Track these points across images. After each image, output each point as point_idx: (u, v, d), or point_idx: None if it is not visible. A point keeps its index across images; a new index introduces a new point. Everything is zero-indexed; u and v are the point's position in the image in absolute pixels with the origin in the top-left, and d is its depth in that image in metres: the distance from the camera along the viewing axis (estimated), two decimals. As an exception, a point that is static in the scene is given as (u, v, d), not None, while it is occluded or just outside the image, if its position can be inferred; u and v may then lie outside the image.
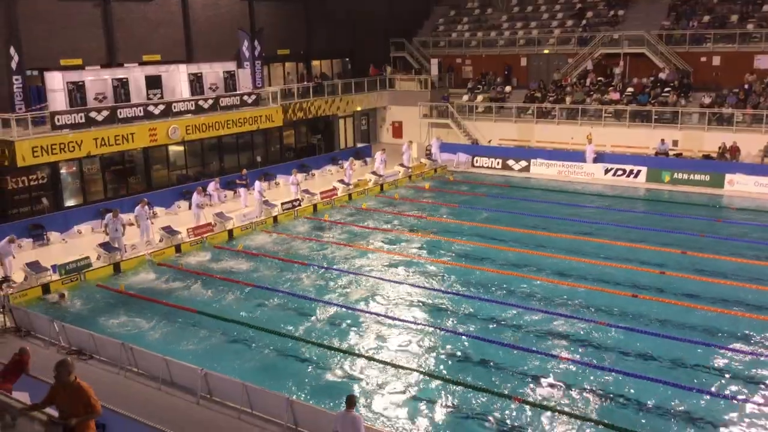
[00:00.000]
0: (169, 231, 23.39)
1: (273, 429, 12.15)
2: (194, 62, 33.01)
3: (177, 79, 31.31)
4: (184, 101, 30.31)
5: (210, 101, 31.21)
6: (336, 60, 43.89)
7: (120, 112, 27.74)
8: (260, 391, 12.53)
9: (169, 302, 18.55)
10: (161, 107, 29.18)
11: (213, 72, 32.64)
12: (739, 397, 13.28)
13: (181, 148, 30.87)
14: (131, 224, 23.25)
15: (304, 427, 12.00)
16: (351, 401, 10.44)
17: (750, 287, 18.49)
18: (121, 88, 28.88)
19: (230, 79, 33.14)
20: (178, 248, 22.96)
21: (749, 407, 12.94)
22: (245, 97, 32.91)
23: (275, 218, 26.39)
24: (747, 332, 15.89)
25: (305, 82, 38.35)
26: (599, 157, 32.82)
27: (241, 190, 28.45)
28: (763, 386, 13.66)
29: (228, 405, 12.91)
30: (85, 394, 8.44)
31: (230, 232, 24.70)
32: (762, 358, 14.74)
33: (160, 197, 27.60)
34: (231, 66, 33.54)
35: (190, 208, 25.90)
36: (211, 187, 27.97)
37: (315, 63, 42.04)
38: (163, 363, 13.72)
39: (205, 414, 12.77)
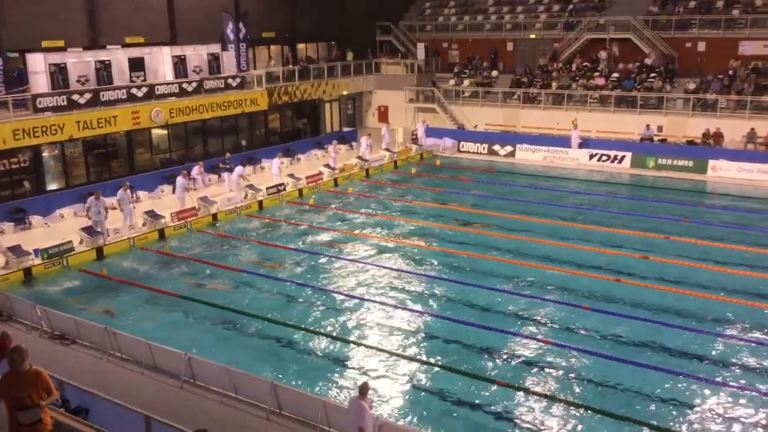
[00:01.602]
0: (153, 215, 23.23)
1: (257, 413, 12.16)
2: (178, 44, 32.62)
3: (160, 61, 30.95)
4: (167, 84, 29.98)
5: (194, 84, 30.89)
6: (322, 43, 43.58)
7: (103, 95, 27.39)
8: (244, 375, 12.52)
9: (152, 287, 18.45)
10: (144, 90, 28.85)
11: (197, 54, 32.29)
12: (720, 380, 13.42)
13: (164, 131, 30.59)
14: (114, 208, 23.05)
15: (287, 411, 12.03)
16: (361, 389, 10.40)
17: (733, 272, 18.66)
18: (104, 70, 28.49)
19: (214, 62, 32.81)
20: (161, 232, 22.82)
21: (731, 391, 13.09)
22: (230, 80, 32.62)
23: (260, 203, 26.28)
24: (730, 317, 16.05)
25: (290, 66, 38.04)
26: (584, 143, 32.90)
27: (225, 174, 28.28)
28: (745, 370, 13.81)
29: (212, 389, 12.91)
30: (45, 377, 8.32)
31: (214, 216, 24.57)
32: (745, 343, 14.88)
33: (144, 181, 27.36)
34: (215, 49, 33.18)
35: (173, 192, 25.73)
36: (195, 170, 27.77)
37: (300, 46, 41.71)
38: (146, 347, 13.67)
39: (188, 398, 12.76)
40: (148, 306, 17.33)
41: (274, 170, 28.42)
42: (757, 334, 15.24)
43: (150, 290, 18.23)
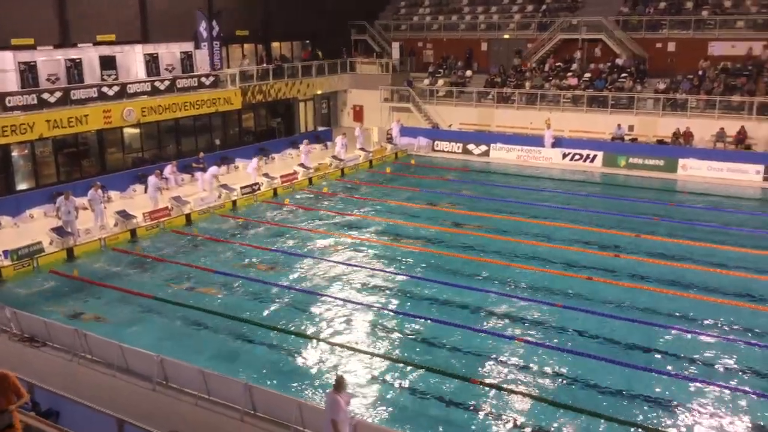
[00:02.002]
0: (125, 215, 22.98)
1: (231, 414, 12.09)
2: (150, 43, 32.26)
3: (132, 59, 30.61)
4: (139, 82, 29.65)
5: (166, 83, 30.60)
6: (296, 42, 43.40)
7: (73, 94, 27.01)
8: (218, 376, 12.45)
9: (124, 288, 18.26)
10: (116, 89, 28.50)
11: (169, 53, 31.98)
12: (690, 376, 13.63)
13: (136, 130, 30.25)
14: (85, 208, 22.78)
15: (262, 412, 11.98)
16: (336, 382, 10.45)
17: (703, 270, 18.96)
18: (75, 68, 28.10)
19: (187, 60, 32.52)
20: (133, 233, 22.58)
21: (700, 387, 13.30)
22: (203, 79, 32.36)
23: (234, 202, 26.12)
24: (701, 314, 16.28)
25: (264, 64, 37.85)
26: (557, 142, 33.21)
27: (199, 174, 28.06)
28: (715, 366, 14.04)
29: (185, 391, 12.81)
30: (13, 380, 8.20)
31: (188, 216, 24.38)
32: (714, 340, 15.12)
33: (115, 180, 27.08)
34: (188, 47, 32.90)
35: (146, 191, 25.49)
36: (168, 170, 27.53)
37: (275, 45, 41.47)
38: (118, 349, 13.53)
39: (161, 400, 12.65)
40: (120, 307, 17.14)
41: (249, 169, 28.26)
42: (727, 332, 15.49)
43: (122, 291, 18.04)
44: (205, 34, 33.85)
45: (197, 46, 33.68)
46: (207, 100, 32.02)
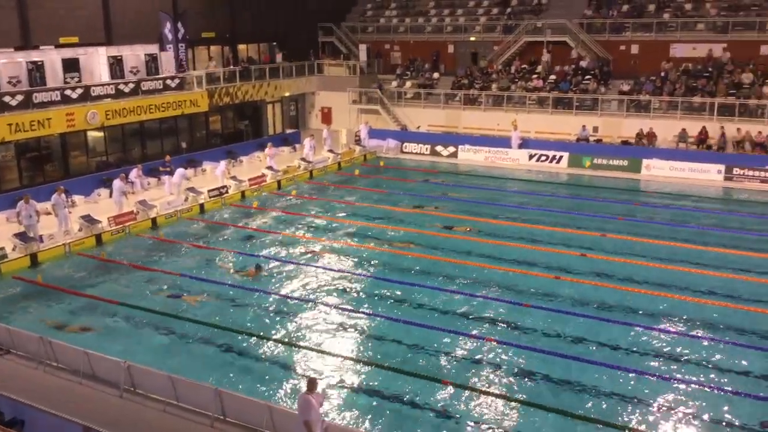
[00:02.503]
0: (89, 220, 22.63)
1: (201, 420, 11.98)
2: (114, 45, 31.85)
3: (96, 62, 30.22)
4: (103, 85, 29.27)
5: (131, 85, 30.22)
6: (263, 44, 43.17)
7: (35, 97, 26.54)
8: (187, 382, 12.32)
9: (89, 294, 17.99)
10: (79, 91, 28.09)
11: (134, 55, 31.63)
12: (656, 372, 13.88)
13: (100, 133, 29.84)
14: (48, 213, 22.38)
15: (232, 417, 11.89)
16: (308, 384, 10.52)
17: (666, 267, 19.30)
18: (37, 71, 27.67)
19: (152, 63, 32.21)
20: (98, 238, 22.25)
21: (665, 383, 13.55)
22: (168, 81, 32.04)
23: (202, 206, 25.89)
24: (665, 311, 16.60)
25: (231, 66, 37.59)
26: (524, 143, 33.54)
27: (165, 177, 27.76)
28: (682, 362, 14.30)
29: (153, 398, 12.65)
30: None
31: (154, 220, 24.09)
32: (679, 336, 15.40)
33: (79, 185, 26.66)
34: (153, 49, 32.57)
35: (110, 195, 25.14)
36: (134, 174, 27.19)
37: (241, 47, 41.22)
38: (84, 356, 13.31)
39: (129, 407, 12.47)
40: (85, 313, 16.89)
41: (217, 172, 28.02)
42: (692, 328, 15.79)
43: (87, 297, 17.77)
44: (170, 36, 33.51)
45: (162, 48, 33.33)
46: (173, 102, 31.71)
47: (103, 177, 27.61)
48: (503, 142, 34.09)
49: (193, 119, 34.24)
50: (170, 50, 33.54)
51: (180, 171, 26.27)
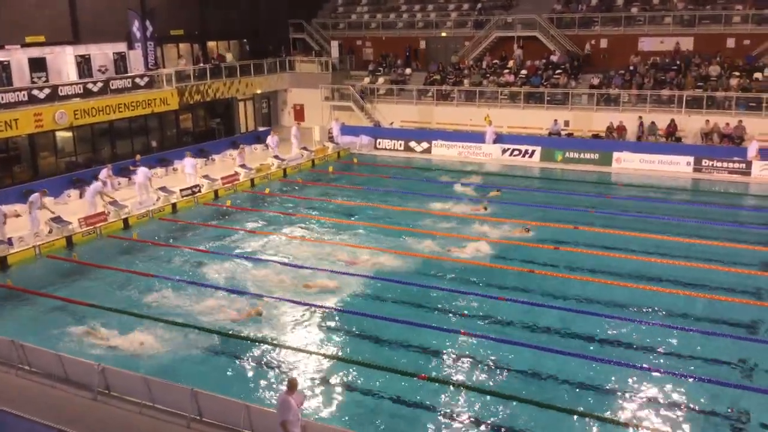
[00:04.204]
0: (59, 221, 22.30)
1: (177, 421, 11.90)
2: (81, 43, 31.43)
3: (63, 61, 29.80)
4: (71, 84, 28.87)
5: (99, 84, 29.84)
6: (233, 41, 42.88)
7: (2, 97, 26.10)
8: (162, 383, 12.23)
9: (60, 296, 17.75)
10: (47, 91, 27.67)
11: (102, 54, 31.24)
12: (631, 363, 14.06)
13: (69, 133, 29.43)
14: (17, 215, 22.02)
15: (209, 417, 11.83)
16: (288, 384, 10.52)
17: (637, 259, 19.57)
18: (3, 71, 27.25)
19: (121, 61, 31.86)
20: (69, 239, 21.93)
21: (639, 372, 13.74)
22: (137, 80, 31.69)
23: (174, 205, 25.64)
24: (638, 302, 16.81)
25: (201, 64, 37.28)
26: (498, 138, 33.71)
27: (136, 177, 27.40)
28: (656, 354, 14.49)
29: (128, 400, 12.53)
30: None
31: (125, 220, 23.80)
32: (652, 327, 15.61)
33: (49, 186, 26.13)
34: (121, 47, 32.21)
35: (81, 196, 24.79)
36: (104, 174, 26.81)
37: (211, 44, 40.90)
38: (56, 359, 13.14)
39: (104, 410, 12.35)
40: (57, 316, 16.66)
41: (188, 170, 27.76)
42: (664, 317, 16.04)
43: (59, 300, 17.52)
44: (138, 34, 33.14)
45: (131, 47, 32.97)
46: (142, 101, 31.37)
47: (73, 177, 27.22)
48: (477, 137, 34.25)
49: (163, 118, 33.91)
50: (139, 48, 33.18)
51: (142, 170, 25.88)
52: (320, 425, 11.43)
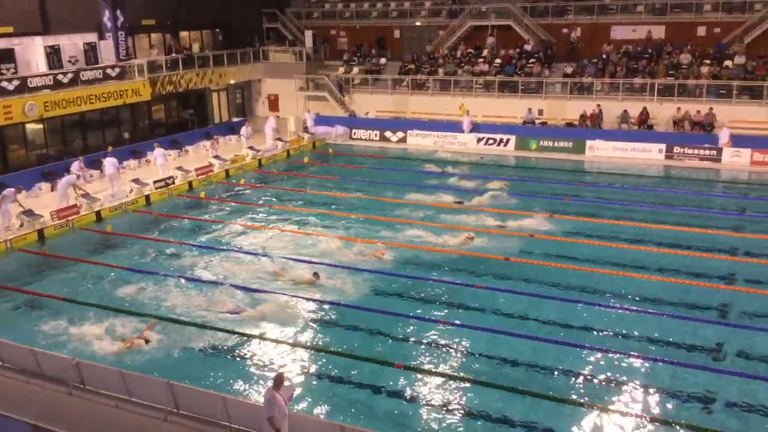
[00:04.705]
0: (31, 215, 21.97)
1: (154, 414, 11.83)
2: (51, 34, 30.84)
3: (32, 52, 29.26)
4: (40, 76, 28.36)
5: (70, 75, 29.36)
6: (206, 31, 42.40)
7: (-31, 89, 25.61)
8: (137, 376, 12.15)
9: (32, 290, 17.50)
10: (16, 83, 27.16)
11: (72, 44, 30.73)
12: (606, 348, 14.26)
13: (39, 126, 28.94)
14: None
15: (186, 410, 11.78)
16: (275, 380, 10.46)
17: (610, 246, 19.78)
18: (-31, 62, 26.68)
19: (91, 52, 31.35)
20: (41, 233, 21.62)
21: (614, 357, 13.94)
22: (109, 71, 31.23)
23: (147, 197, 25.38)
24: (610, 288, 17.03)
25: (173, 54, 36.83)
26: (474, 128, 33.79)
27: (105, 168, 27.05)
28: (631, 339, 14.69)
29: (104, 394, 12.43)
30: None
31: (98, 213, 23.52)
32: (629, 313, 15.84)
33: (19, 179, 25.73)
34: (92, 38, 31.69)
35: (52, 189, 24.44)
36: (75, 167, 26.45)
37: (183, 34, 40.40)
38: (30, 354, 12.98)
39: (79, 404, 12.23)
40: (30, 310, 16.45)
41: (159, 161, 27.48)
42: (639, 303, 16.26)
43: (30, 294, 17.30)
44: (109, 24, 32.63)
45: (101, 37, 32.47)
46: (114, 92, 30.94)
47: (44, 170, 26.81)
48: (452, 126, 34.33)
49: (135, 109, 33.49)
50: (110, 39, 32.67)
51: (110, 160, 25.52)
52: (300, 415, 11.44)
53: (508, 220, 22.07)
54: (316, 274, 17.57)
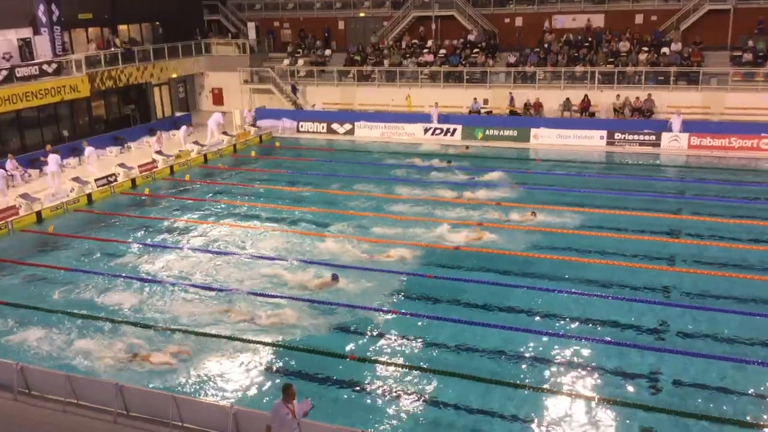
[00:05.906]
0: (-33, 217, 21.22)
1: (104, 417, 11.60)
2: (-18, 29, 29.77)
3: (-38, 48, 28.15)
4: (-28, 73, 27.34)
5: (4, 72, 28.35)
6: (146, 24, 41.42)
7: None
8: (85, 379, 11.91)
9: (-28, 295, 16.94)
10: (-55, 80, 26.15)
11: (5, 40, 29.71)
12: (552, 331, 14.56)
13: (-27, 125, 27.93)
14: None
15: (136, 411, 11.58)
16: (282, 391, 10.03)
17: (557, 231, 20.19)
18: None
19: (26, 48, 30.33)
20: (-22, 236, 20.91)
21: (583, 343, 14.21)
22: (45, 67, 30.25)
23: (89, 196, 24.74)
24: (559, 273, 17.39)
25: (112, 48, 35.91)
26: (422, 118, 33.87)
27: (48, 168, 26.26)
28: (593, 324, 14.97)
29: (51, 398, 12.11)
30: None
31: (38, 214, 22.82)
32: (573, 295, 16.18)
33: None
34: (26, 33, 30.65)
35: (-11, 190, 23.62)
36: (10, 166, 25.59)
37: (122, 28, 39.38)
38: (-30, 362, 12.56)
39: (25, 410, 11.90)
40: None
41: (90, 160, 26.88)
42: (585, 286, 16.61)
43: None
44: (44, 18, 31.62)
45: (36, 32, 31.43)
46: (51, 88, 30.02)
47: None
48: (399, 117, 34.44)
49: (74, 105, 32.56)
50: (45, 34, 31.66)
51: (54, 157, 24.81)
52: (254, 412, 11.34)
53: (454, 208, 22.24)
54: (335, 276, 16.94)
